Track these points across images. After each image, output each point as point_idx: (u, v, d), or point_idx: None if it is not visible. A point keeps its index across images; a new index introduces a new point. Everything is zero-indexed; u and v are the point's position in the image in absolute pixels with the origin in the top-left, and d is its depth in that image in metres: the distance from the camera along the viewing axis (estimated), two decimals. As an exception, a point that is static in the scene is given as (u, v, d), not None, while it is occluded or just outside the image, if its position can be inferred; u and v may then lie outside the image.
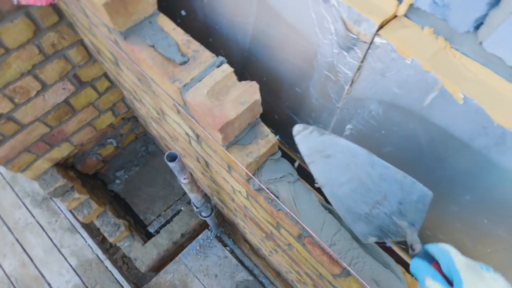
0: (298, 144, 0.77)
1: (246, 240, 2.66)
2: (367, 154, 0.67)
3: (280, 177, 1.02)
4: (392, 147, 0.79)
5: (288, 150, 1.28)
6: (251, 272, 2.33)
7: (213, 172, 1.41)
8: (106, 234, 2.20)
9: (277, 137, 1.27)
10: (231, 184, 1.30)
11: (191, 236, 2.51)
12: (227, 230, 2.85)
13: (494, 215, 0.69)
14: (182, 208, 2.44)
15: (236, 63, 1.09)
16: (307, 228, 0.96)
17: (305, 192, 0.99)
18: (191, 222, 2.38)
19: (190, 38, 0.94)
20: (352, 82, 0.74)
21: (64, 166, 2.16)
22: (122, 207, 2.56)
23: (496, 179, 0.62)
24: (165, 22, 0.96)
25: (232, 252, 2.44)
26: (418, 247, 0.59)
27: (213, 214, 1.91)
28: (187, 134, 1.25)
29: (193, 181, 1.44)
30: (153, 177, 2.55)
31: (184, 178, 1.34)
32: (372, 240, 0.72)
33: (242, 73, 1.10)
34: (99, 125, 2.01)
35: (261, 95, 1.11)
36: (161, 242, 2.32)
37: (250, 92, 0.87)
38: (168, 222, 2.43)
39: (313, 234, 0.95)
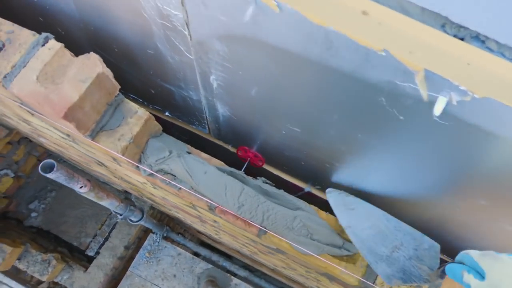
0: (329, 200, 0.89)
1: (198, 231, 2.57)
2: (381, 211, 0.83)
3: (169, 154, 0.92)
4: (256, 86, 0.72)
5: (182, 124, 1.17)
6: (209, 260, 2.25)
7: (112, 170, 1.26)
8: (37, 275, 1.95)
9: (167, 113, 1.15)
10: (134, 178, 1.17)
11: (137, 245, 2.34)
12: (175, 227, 2.72)
13: (363, 127, 0.66)
14: (118, 220, 2.25)
15: (82, 44, 0.93)
16: (208, 199, 0.89)
17: (198, 162, 0.91)
18: (131, 231, 2.22)
19: None
20: (187, 23, 0.64)
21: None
22: (52, 240, 2.29)
23: (344, 86, 0.58)
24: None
25: (185, 246, 2.33)
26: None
27: (145, 215, 1.77)
28: (60, 136, 1.08)
29: (96, 186, 1.27)
30: (75, 197, 2.30)
31: (81, 187, 1.18)
32: (396, 282, 0.79)
33: (96, 52, 0.95)
34: (-20, 159, 1.71)
35: (126, 70, 0.98)
36: (105, 262, 2.13)
37: (90, 65, 0.74)
38: (106, 239, 2.23)
39: (214, 203, 0.89)
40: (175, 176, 0.94)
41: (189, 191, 0.92)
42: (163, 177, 0.92)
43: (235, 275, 2.27)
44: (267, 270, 2.83)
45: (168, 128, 1.24)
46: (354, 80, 0.55)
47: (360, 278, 0.86)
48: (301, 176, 1.10)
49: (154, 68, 0.89)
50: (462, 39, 0.45)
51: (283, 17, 0.50)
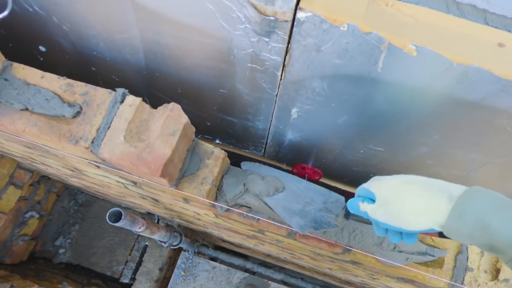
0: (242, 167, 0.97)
1: (225, 241, 2.56)
2: (293, 176, 0.91)
3: (245, 189, 0.91)
4: (346, 115, 0.73)
5: (234, 149, 1.16)
6: (243, 268, 2.27)
7: (167, 205, 1.24)
8: (77, 312, 1.91)
9: (217, 141, 1.14)
10: (193, 210, 1.16)
11: (169, 265, 2.32)
12: (203, 241, 2.71)
13: (465, 143, 0.68)
14: (147, 243, 2.22)
15: (137, 86, 0.90)
16: (288, 225, 0.89)
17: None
18: (163, 252, 2.19)
19: (70, 80, 0.72)
20: (284, 66, 0.63)
21: (-13, 268, 1.76)
22: (84, 274, 2.24)
23: (462, 111, 0.60)
24: (26, 72, 0.72)
25: (217, 259, 2.33)
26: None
27: (183, 238, 1.75)
28: (119, 182, 1.05)
29: (150, 223, 1.25)
30: (100, 227, 2.24)
31: (140, 228, 1.15)
32: (309, 231, 0.87)
33: (151, 94, 0.92)
34: (6, 206, 1.64)
35: (184, 107, 0.95)
36: (142, 287, 2.10)
37: (175, 117, 0.72)
38: (139, 264, 2.19)
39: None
40: (251, 208, 0.94)
41: (268, 221, 0.92)
42: (239, 211, 0.92)
43: (272, 279, 2.30)
44: (300, 269, 2.87)
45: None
46: (478, 107, 0.56)
47: (450, 282, 0.89)
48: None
49: (220, 104, 0.87)
50: None
51: (418, 59, 0.50)
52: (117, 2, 0.61)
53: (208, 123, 1.02)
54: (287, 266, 3.09)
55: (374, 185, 0.58)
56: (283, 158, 1.11)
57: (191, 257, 2.24)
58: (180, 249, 2.30)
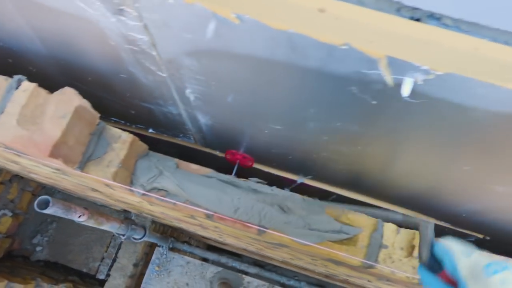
0: None
1: (203, 237, 2.59)
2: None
3: (159, 172, 0.94)
4: (232, 93, 0.75)
5: (168, 138, 1.19)
6: (218, 263, 2.29)
7: (108, 194, 1.28)
8: (52, 307, 1.96)
9: (150, 130, 1.17)
10: (130, 199, 1.19)
11: (146, 261, 2.36)
12: (180, 236, 2.74)
13: (340, 116, 0.69)
14: (122, 240, 2.27)
15: (56, 77, 0.94)
16: (204, 208, 0.92)
17: (187, 176, 0.93)
18: (137, 248, 2.23)
19: (-30, 69, 0.76)
20: (154, 45, 0.66)
21: (-39, 265, 1.83)
22: (61, 270, 2.30)
23: (315, 81, 0.61)
24: None
25: (192, 254, 2.36)
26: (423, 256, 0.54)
27: (147, 231, 1.78)
28: (50, 171, 1.09)
29: (95, 213, 1.29)
30: (77, 225, 2.30)
31: (80, 216, 1.19)
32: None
33: (71, 84, 0.96)
34: (-25, 204, 1.70)
35: (102, 96, 0.99)
36: (116, 282, 2.15)
37: (66, 100, 0.75)
38: (114, 260, 2.24)
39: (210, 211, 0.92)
40: (168, 191, 0.96)
41: (184, 204, 0.94)
42: (156, 195, 0.94)
43: (246, 273, 2.31)
44: (277, 263, 2.88)
45: (156, 144, 1.26)
46: (324, 75, 0.58)
47: (362, 260, 0.89)
48: (292, 169, 1.13)
49: (130, 90, 0.90)
50: (418, 19, 0.48)
51: (244, 27, 0.52)
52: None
53: (132, 112, 1.05)
54: (272, 262, 3.09)
55: (473, 282, 0.44)
56: (212, 144, 1.14)
57: (165, 253, 2.27)
58: (155, 246, 2.33)
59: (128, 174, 0.91)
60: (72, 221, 2.44)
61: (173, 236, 2.28)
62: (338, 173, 1.01)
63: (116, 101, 1.00)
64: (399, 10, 0.48)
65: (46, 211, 1.04)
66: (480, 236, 1.11)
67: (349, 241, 0.94)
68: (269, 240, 1.05)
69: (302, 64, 0.56)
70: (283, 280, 2.26)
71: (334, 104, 0.65)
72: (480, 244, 1.17)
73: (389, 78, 0.51)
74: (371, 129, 0.70)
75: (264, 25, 0.50)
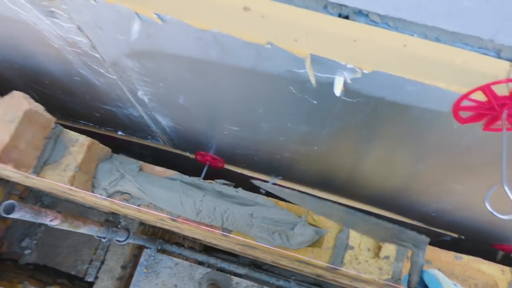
0: None
1: (194, 238, 2.59)
2: None
3: (120, 175, 0.93)
4: (181, 94, 0.73)
5: (138, 140, 1.18)
6: (206, 264, 2.28)
7: (80, 197, 1.27)
8: (39, 310, 1.97)
9: (120, 132, 1.16)
10: (99, 202, 1.18)
11: (134, 263, 2.36)
12: (172, 238, 2.74)
13: (288, 116, 0.67)
14: (104, 243, 2.26)
15: (14, 79, 0.93)
16: (167, 212, 0.90)
17: (150, 179, 0.91)
18: (125, 251, 2.23)
19: None
20: (94, 47, 0.65)
21: None
22: (51, 273, 2.30)
23: (253, 81, 0.59)
24: None
25: (181, 255, 2.35)
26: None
27: (131, 233, 1.77)
28: (18, 175, 1.08)
29: (69, 216, 1.28)
30: (66, 228, 2.31)
31: (51, 220, 1.18)
32: None
33: (32, 88, 0.95)
34: (-42, 209, 1.70)
35: (64, 99, 0.98)
36: (104, 284, 2.15)
37: (15, 104, 0.74)
38: (103, 262, 2.24)
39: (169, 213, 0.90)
40: (131, 195, 0.95)
41: (147, 208, 0.93)
42: (119, 200, 0.93)
43: (235, 274, 2.30)
44: (272, 262, 2.86)
45: (128, 146, 1.25)
46: (260, 75, 0.56)
47: (327, 264, 0.88)
48: (261, 170, 1.11)
49: (88, 93, 0.89)
50: (346, 17, 0.46)
51: (169, 27, 0.51)
52: None
53: (97, 114, 1.04)
54: (275, 264, 3.08)
55: None
56: (180, 146, 1.12)
57: (153, 254, 2.27)
58: (144, 248, 2.33)
59: (88, 178, 0.90)
60: (60, 224, 2.42)
61: (164, 238, 2.27)
62: (306, 173, 0.99)
63: (79, 104, 0.99)
64: (326, 7, 0.46)
65: (12, 216, 1.03)
66: (455, 235, 1.09)
67: (315, 242, 0.92)
68: (238, 242, 1.04)
69: (235, 64, 0.55)
70: (272, 280, 2.24)
71: (279, 104, 0.64)
72: (456, 243, 1.14)
73: (312, 77, 0.49)
74: (321, 129, 0.68)
75: (187, 25, 0.49)
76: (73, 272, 2.27)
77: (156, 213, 0.93)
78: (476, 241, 1.04)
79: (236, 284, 2.24)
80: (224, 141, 0.94)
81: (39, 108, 0.77)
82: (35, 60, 0.79)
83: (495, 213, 0.46)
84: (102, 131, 1.19)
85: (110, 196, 0.94)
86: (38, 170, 0.82)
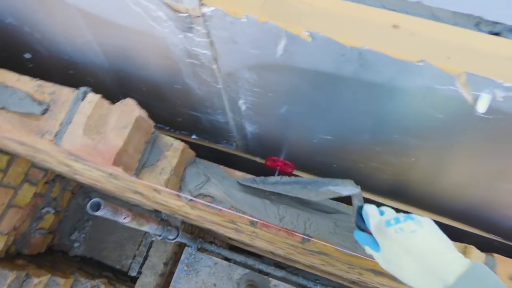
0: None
1: (229, 238, 2.63)
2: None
3: (206, 179, 0.97)
4: (286, 105, 0.76)
5: (209, 144, 1.22)
6: (245, 265, 2.31)
7: (150, 197, 1.32)
8: (88, 301, 2.05)
9: (193, 136, 1.20)
10: (172, 203, 1.23)
11: (175, 260, 2.42)
12: (205, 236, 2.79)
13: (399, 129, 0.69)
14: (153, 238, 2.33)
15: (111, 87, 0.99)
16: (249, 215, 0.93)
17: (235, 184, 0.95)
18: (167, 248, 2.29)
19: (41, 82, 0.82)
20: (216, 59, 0.68)
21: (9, 257, 1.95)
22: (96, 266, 2.40)
23: (380, 96, 0.61)
24: (5, 76, 0.83)
25: (220, 255, 2.39)
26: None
27: (180, 232, 1.83)
28: (102, 175, 1.14)
29: (137, 215, 1.34)
30: (111, 223, 2.39)
31: (125, 218, 1.24)
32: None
33: (124, 94, 1.00)
34: (22, 201, 1.80)
35: (153, 105, 1.03)
36: (148, 280, 2.21)
37: (128, 111, 0.79)
38: (146, 258, 2.31)
39: (257, 219, 0.94)
40: (213, 198, 0.99)
41: (230, 210, 0.97)
42: (203, 201, 0.97)
43: (272, 276, 2.32)
44: (300, 266, 2.88)
45: (195, 148, 1.29)
46: (391, 90, 0.58)
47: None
48: (334, 177, 1.13)
49: (181, 100, 0.93)
50: (497, 34, 0.47)
51: (315, 44, 0.53)
52: (66, 10, 0.69)
53: (179, 119, 1.09)
54: (295, 265, 3.09)
55: (380, 236, 0.59)
56: (253, 151, 1.16)
57: (193, 253, 2.32)
58: (185, 246, 2.39)
59: (177, 181, 0.94)
60: (107, 220, 2.52)
61: (200, 236, 2.32)
62: (383, 182, 1.00)
63: (165, 109, 1.04)
64: (478, 24, 0.47)
65: (97, 213, 1.09)
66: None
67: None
68: (311, 248, 1.06)
69: (368, 79, 0.57)
70: (310, 284, 2.25)
71: (396, 118, 0.65)
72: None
73: (468, 95, 0.51)
74: (430, 142, 0.69)
75: (336, 42, 0.51)
76: (117, 266, 2.36)
77: (238, 215, 0.96)
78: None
79: (274, 286, 2.26)
80: (306, 148, 0.96)
81: (144, 114, 0.82)
82: (144, 71, 0.84)
83: None
84: (176, 135, 1.24)
85: (192, 198, 0.98)
86: (138, 172, 0.86)
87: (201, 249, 2.39)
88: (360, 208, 0.70)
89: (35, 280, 1.84)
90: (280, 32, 0.53)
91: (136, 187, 1.17)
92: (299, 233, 0.94)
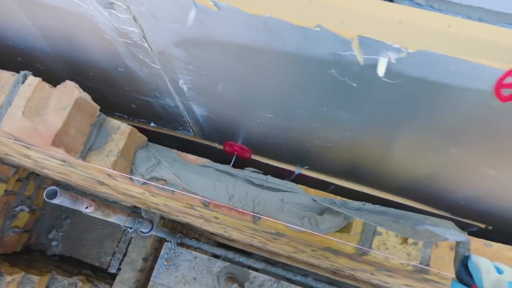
0: None
1: (211, 233, 2.64)
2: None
3: (157, 162, 0.98)
4: (221, 82, 0.78)
5: (169, 131, 1.23)
6: (225, 258, 2.32)
7: (113, 187, 1.33)
8: (66, 299, 2.04)
9: (152, 124, 1.21)
10: (134, 190, 1.24)
11: (155, 256, 2.42)
12: (189, 233, 2.80)
13: (325, 101, 0.70)
14: (133, 235, 2.33)
15: (61, 74, 1.00)
16: (201, 196, 0.95)
17: (185, 165, 0.96)
18: (146, 243, 2.29)
19: (-19, 66, 0.82)
20: (144, 37, 0.70)
21: (-18, 257, 1.93)
22: (75, 264, 2.39)
23: (296, 66, 0.63)
24: None
25: (200, 249, 2.40)
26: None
27: (154, 225, 1.83)
28: (58, 164, 1.15)
29: (101, 205, 1.34)
30: (89, 221, 2.39)
31: (86, 207, 1.24)
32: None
33: (76, 81, 1.01)
34: (-6, 199, 1.79)
35: (105, 91, 1.04)
36: (127, 276, 2.21)
37: (67, 93, 0.80)
38: (125, 255, 2.31)
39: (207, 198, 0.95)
40: (166, 181, 1.00)
41: (182, 192, 0.98)
42: (156, 184, 0.98)
43: (252, 268, 2.33)
44: (285, 260, 2.89)
45: (157, 138, 1.31)
46: (303, 59, 0.60)
47: (356, 246, 0.90)
48: (288, 159, 1.15)
49: (128, 84, 0.94)
50: (391, 0, 0.50)
51: (223, 14, 0.55)
52: (-4, -9, 0.70)
53: (134, 106, 1.10)
54: (281, 259, 3.11)
55: None
56: (210, 136, 1.17)
57: (173, 248, 2.32)
58: (164, 242, 2.39)
59: (127, 164, 0.95)
60: (85, 218, 2.52)
61: (182, 233, 2.33)
62: (334, 162, 1.02)
63: (118, 95, 1.05)
64: (371, -9, 0.49)
65: (54, 201, 1.09)
66: (482, 226, 1.10)
67: (343, 228, 0.95)
68: (266, 229, 1.08)
69: (281, 49, 0.59)
70: (289, 275, 2.26)
71: (318, 89, 0.67)
72: (483, 235, 1.15)
73: (360, 57, 0.53)
74: (357, 113, 0.71)
75: (240, 11, 0.53)
76: (97, 264, 2.35)
77: (190, 197, 0.98)
78: (503, 232, 1.05)
79: (253, 278, 2.27)
80: (254, 129, 0.98)
81: (87, 97, 0.83)
82: (85, 53, 0.85)
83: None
84: (135, 123, 1.25)
85: (145, 182, 0.99)
86: (84, 155, 0.87)
87: (181, 244, 2.39)
88: (466, 258, 0.61)
89: (8, 278, 1.83)
90: (188, 1, 0.55)
91: (95, 175, 1.18)
92: (248, 211, 0.95)
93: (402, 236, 0.93)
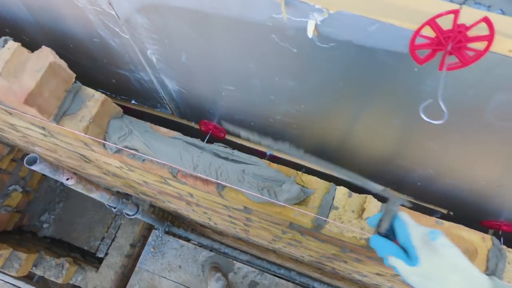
0: None
1: (200, 225, 2.67)
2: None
3: (129, 131, 1.03)
4: (184, 52, 0.83)
5: (148, 109, 1.29)
6: (211, 248, 2.35)
7: (94, 160, 1.39)
8: (53, 278, 2.10)
9: (133, 101, 1.27)
10: (111, 164, 1.29)
11: (143, 243, 2.47)
12: (180, 225, 2.84)
13: (274, 69, 0.74)
14: (122, 221, 2.39)
15: (43, 44, 1.06)
16: (166, 163, 0.99)
17: (155, 136, 1.01)
18: (135, 230, 2.34)
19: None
20: (110, 3, 0.76)
21: (-26, 233, 2.01)
22: (65, 247, 2.45)
23: (242, 33, 0.67)
24: None
25: (186, 239, 2.44)
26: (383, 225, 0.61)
27: (140, 208, 1.88)
28: (39, 133, 1.21)
29: (83, 179, 1.40)
30: (82, 206, 2.45)
31: (68, 179, 1.30)
32: None
33: (60, 55, 1.08)
34: (-12, 176, 1.87)
35: (86, 65, 1.10)
36: (113, 260, 2.26)
37: (43, 57, 0.86)
38: (113, 240, 2.36)
39: (174, 165, 1.00)
40: (137, 150, 1.05)
41: (151, 160, 1.03)
42: (128, 151, 1.03)
43: (237, 259, 2.35)
44: (274, 258, 2.90)
45: (139, 117, 1.36)
46: (246, 24, 0.64)
47: (315, 215, 0.93)
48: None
49: (105, 56, 1.00)
50: None
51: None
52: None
53: (113, 80, 1.16)
54: (269, 256, 3.11)
55: (425, 251, 0.53)
56: (185, 114, 1.22)
57: (161, 235, 2.37)
58: (153, 229, 2.44)
59: (100, 131, 1.01)
60: (78, 202, 2.58)
61: (172, 222, 2.37)
62: (298, 139, 1.05)
63: (98, 70, 1.11)
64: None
65: (33, 167, 1.15)
66: (444, 211, 1.12)
67: (302, 201, 0.99)
68: (232, 203, 1.11)
69: (226, 14, 0.63)
70: (273, 268, 2.28)
71: (265, 56, 0.72)
72: (446, 219, 1.17)
73: (285, 17, 0.57)
74: (304, 83, 0.75)
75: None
76: (86, 248, 2.40)
77: (158, 166, 1.02)
78: (464, 218, 1.06)
79: (238, 269, 2.29)
80: (222, 105, 1.02)
81: (62, 63, 0.89)
82: (63, 23, 0.91)
83: (430, 120, 0.51)
84: (117, 100, 1.31)
85: (119, 150, 1.05)
86: (58, 118, 0.93)
87: (169, 232, 2.44)
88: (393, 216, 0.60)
89: (-3, 253, 1.89)
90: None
91: (75, 147, 1.24)
92: (212, 182, 0.99)
93: (359, 212, 0.96)
